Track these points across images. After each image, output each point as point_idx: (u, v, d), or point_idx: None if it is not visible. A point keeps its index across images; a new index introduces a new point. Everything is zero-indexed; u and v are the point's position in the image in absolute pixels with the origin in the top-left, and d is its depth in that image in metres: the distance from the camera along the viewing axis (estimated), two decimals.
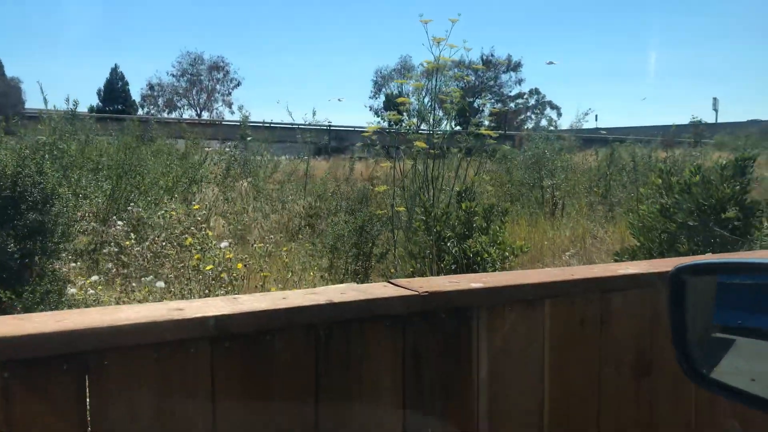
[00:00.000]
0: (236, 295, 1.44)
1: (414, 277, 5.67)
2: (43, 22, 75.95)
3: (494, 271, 5.24)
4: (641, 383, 1.81)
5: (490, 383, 1.58)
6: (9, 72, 47.72)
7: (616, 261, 7.22)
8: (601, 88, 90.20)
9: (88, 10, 73.96)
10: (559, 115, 58.24)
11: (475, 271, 5.05)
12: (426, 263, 5.34)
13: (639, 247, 5.45)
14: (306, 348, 1.36)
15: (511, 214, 7.63)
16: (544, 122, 57.19)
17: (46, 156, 5.04)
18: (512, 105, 58.59)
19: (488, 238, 5.20)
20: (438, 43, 7.00)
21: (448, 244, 5.21)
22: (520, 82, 60.12)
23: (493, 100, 54.95)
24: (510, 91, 60.08)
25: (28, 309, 4.21)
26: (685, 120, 32.11)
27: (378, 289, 1.52)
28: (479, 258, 5.08)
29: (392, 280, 1.60)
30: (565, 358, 1.69)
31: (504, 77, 59.72)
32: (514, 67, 59.13)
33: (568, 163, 12.39)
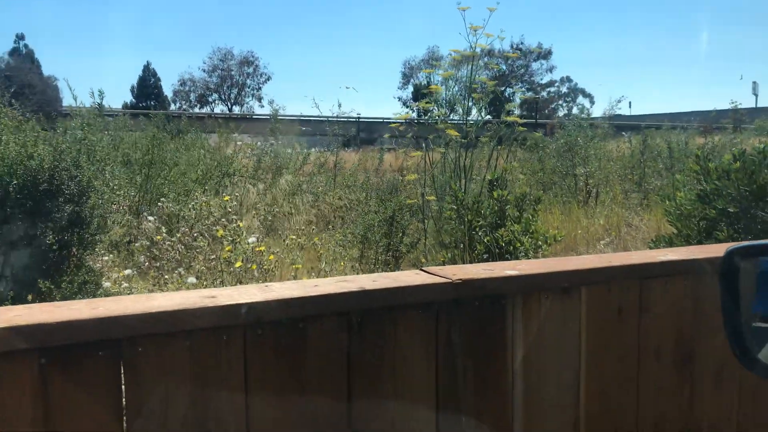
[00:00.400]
0: (268, 283, 1.44)
1: (445, 266, 5.64)
2: (77, 21, 77.75)
3: (526, 259, 5.17)
4: (682, 372, 1.76)
5: (526, 372, 1.55)
6: (46, 71, 49.05)
7: (652, 249, 7.06)
8: (635, 74, 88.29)
9: (121, 9, 75.48)
10: (592, 102, 57.36)
11: (507, 261, 4.99)
12: (457, 253, 5.30)
13: (676, 234, 5.31)
14: (338, 336, 1.35)
15: (544, 203, 7.52)
16: (576, 110, 56.44)
17: (81, 150, 5.15)
18: (543, 93, 57.83)
19: (521, 226, 5.13)
20: (475, 31, 6.91)
21: (480, 233, 5.15)
22: (551, 69, 59.32)
23: (524, 89, 54.33)
24: (541, 79, 59.34)
25: (66, 299, 4.33)
26: (723, 105, 31.16)
27: (410, 277, 1.51)
28: (512, 247, 5.02)
29: (425, 268, 1.58)
30: (602, 347, 1.65)
31: (535, 65, 59.01)
32: (545, 54, 58.30)
33: (601, 151, 12.15)
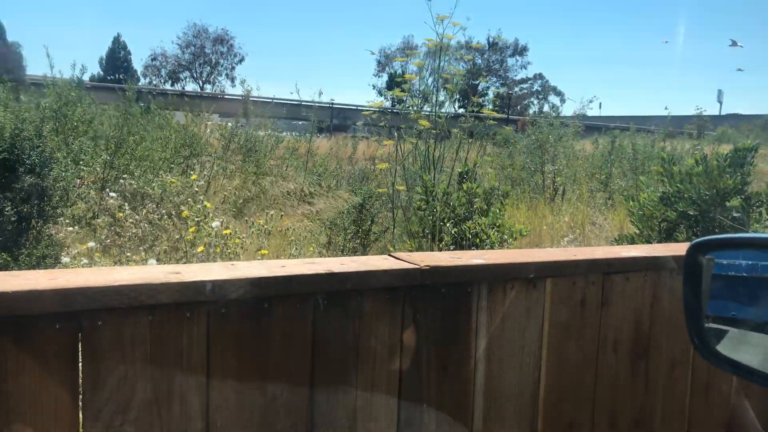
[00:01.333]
0: (234, 262, 1.42)
1: None
2: None
3: None
4: (638, 365, 1.81)
5: (488, 359, 1.57)
6: (10, 37, 47.38)
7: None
8: (607, 75, 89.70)
9: None
10: (563, 101, 58.18)
11: (475, 250, 5.01)
12: (425, 243, 5.33)
13: (638, 234, 5.44)
14: (303, 317, 1.34)
15: (512, 198, 7.60)
16: (547, 108, 57.26)
17: (46, 119, 4.98)
18: (517, 89, 58.40)
19: (488, 220, 5.18)
20: (442, 20, 6.93)
21: (448, 225, 5.19)
22: (526, 66, 59.89)
23: (497, 83, 54.76)
24: (515, 75, 59.89)
25: None
26: (690, 111, 32.01)
27: (378, 261, 1.50)
28: (478, 240, 5.07)
29: (393, 254, 1.58)
30: (563, 338, 1.68)
31: (510, 61, 59.47)
32: (521, 51, 58.77)
33: (570, 150, 12.33)
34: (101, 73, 54.61)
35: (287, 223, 6.19)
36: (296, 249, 5.34)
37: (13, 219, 4.43)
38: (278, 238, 6.05)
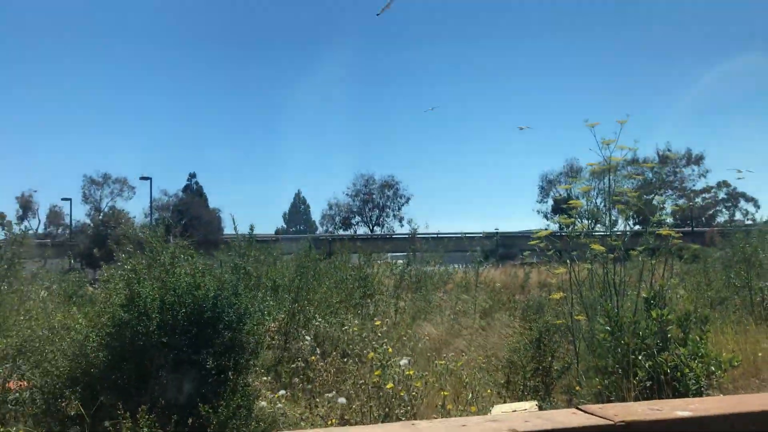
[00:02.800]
0: (414, 422, 1.38)
1: (602, 395, 5.14)
2: (241, 158, 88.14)
3: (698, 388, 4.56)
4: None
5: None
6: (211, 203, 55.56)
7: None
8: None
9: (280, 145, 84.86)
10: (757, 207, 52.48)
11: (674, 389, 4.43)
12: (615, 379, 4.82)
13: None
14: None
15: (713, 323, 6.73)
16: (739, 215, 51.98)
17: (241, 279, 5.59)
18: (698, 199, 54.24)
19: (687, 350, 4.59)
20: (607, 145, 6.83)
21: (640, 358, 4.68)
22: (704, 174, 55.81)
23: (674, 196, 51.41)
24: (693, 185, 55.92)
25: (221, 423, 4.50)
26: None
27: (566, 417, 1.37)
28: (679, 373, 4.47)
29: (582, 407, 1.43)
30: None
31: (686, 171, 55.94)
32: (696, 160, 55.17)
33: None
34: (284, 226, 61.19)
35: (461, 362, 6.04)
36: (474, 393, 5.12)
37: (213, 372, 4.87)
38: (455, 378, 5.88)
